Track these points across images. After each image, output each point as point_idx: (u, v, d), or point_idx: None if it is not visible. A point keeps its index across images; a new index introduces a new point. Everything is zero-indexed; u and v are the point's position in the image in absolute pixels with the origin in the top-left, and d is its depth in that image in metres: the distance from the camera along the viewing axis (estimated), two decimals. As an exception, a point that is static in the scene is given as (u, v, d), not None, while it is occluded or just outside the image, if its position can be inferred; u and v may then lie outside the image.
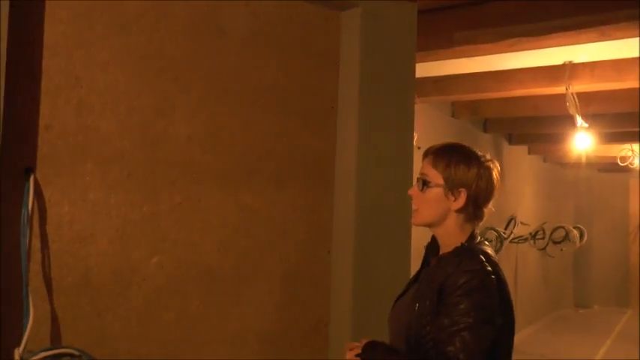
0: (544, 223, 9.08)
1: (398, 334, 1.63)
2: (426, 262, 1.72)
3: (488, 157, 1.67)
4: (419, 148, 3.21)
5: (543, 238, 9.02)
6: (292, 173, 2.43)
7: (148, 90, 1.98)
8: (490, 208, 1.68)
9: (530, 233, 8.67)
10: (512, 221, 7.60)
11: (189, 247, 2.09)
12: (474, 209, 1.63)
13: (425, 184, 1.64)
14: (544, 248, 9.23)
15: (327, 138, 2.55)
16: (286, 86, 2.41)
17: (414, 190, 1.68)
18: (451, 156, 1.63)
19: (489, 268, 1.52)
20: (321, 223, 2.53)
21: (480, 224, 1.68)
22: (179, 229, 2.05)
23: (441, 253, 1.66)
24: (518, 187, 8.60)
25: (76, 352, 1.73)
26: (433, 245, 1.72)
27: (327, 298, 2.52)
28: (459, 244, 1.60)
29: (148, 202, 1.98)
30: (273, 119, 2.35)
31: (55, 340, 1.76)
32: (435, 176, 1.63)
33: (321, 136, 2.53)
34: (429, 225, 1.67)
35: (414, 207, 1.68)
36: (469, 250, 1.57)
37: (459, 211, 1.62)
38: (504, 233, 7.36)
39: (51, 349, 1.71)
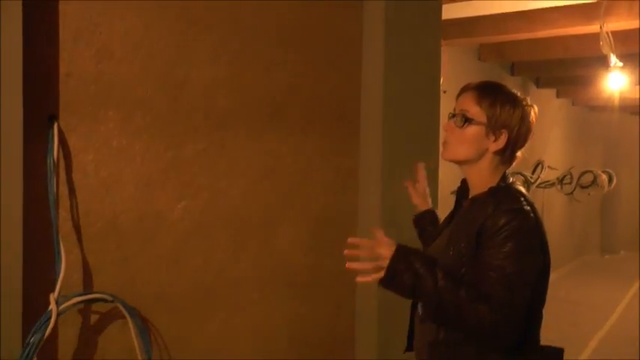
0: (572, 167, 8.93)
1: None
2: (458, 206, 1.69)
3: (528, 100, 1.60)
4: (444, 91, 3.13)
5: (570, 183, 8.89)
6: (317, 117, 2.38)
7: (168, 34, 1.94)
8: (523, 152, 1.62)
9: (558, 178, 8.54)
10: (540, 166, 7.49)
11: (215, 193, 2.08)
12: (510, 152, 1.58)
13: (466, 120, 1.56)
14: (571, 193, 9.12)
15: (352, 80, 2.49)
16: (309, 27, 2.34)
17: (449, 125, 1.61)
18: (497, 95, 1.56)
19: (528, 208, 1.48)
20: (347, 166, 2.50)
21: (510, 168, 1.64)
22: (204, 174, 2.05)
23: (471, 195, 1.61)
24: (546, 131, 8.44)
25: (109, 298, 1.75)
26: (463, 189, 1.68)
27: (354, 242, 2.51)
28: (492, 185, 1.55)
29: (171, 148, 1.96)
30: (296, 61, 2.30)
31: (87, 285, 1.79)
32: (478, 113, 1.55)
33: (345, 78, 2.47)
34: (461, 162, 1.62)
35: (445, 140, 1.62)
36: (506, 190, 1.53)
37: (496, 152, 1.57)
38: (531, 178, 7.26)
39: (84, 294, 1.73)
